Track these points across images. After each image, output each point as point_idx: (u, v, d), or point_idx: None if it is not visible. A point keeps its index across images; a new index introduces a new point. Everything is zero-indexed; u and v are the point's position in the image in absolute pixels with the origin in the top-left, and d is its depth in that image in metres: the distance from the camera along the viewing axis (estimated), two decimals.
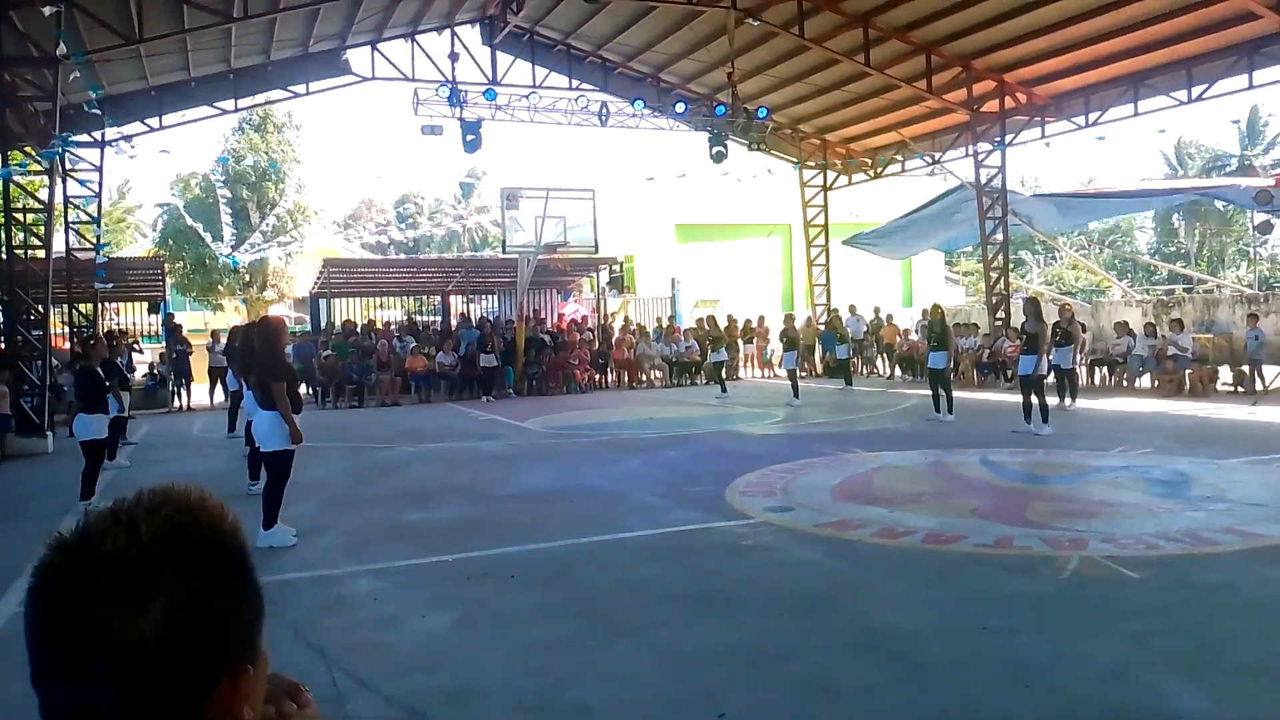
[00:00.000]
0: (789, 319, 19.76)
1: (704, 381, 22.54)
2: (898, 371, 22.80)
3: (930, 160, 22.91)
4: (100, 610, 0.79)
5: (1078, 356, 15.77)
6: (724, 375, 19.00)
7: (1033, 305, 12.65)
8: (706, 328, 19.91)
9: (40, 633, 0.81)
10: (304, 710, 0.98)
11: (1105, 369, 18.53)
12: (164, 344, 21.19)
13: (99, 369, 9.61)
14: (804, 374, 21.14)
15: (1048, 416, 11.92)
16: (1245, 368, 16.29)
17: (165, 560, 0.81)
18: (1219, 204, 34.84)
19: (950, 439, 11.64)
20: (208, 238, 32.26)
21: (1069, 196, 23.25)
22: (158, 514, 0.84)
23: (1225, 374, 16.86)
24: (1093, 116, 18.67)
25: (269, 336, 7.47)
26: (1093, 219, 25.81)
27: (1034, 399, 11.95)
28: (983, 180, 19.86)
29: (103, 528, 0.82)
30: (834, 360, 22.82)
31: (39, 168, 14.95)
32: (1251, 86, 16.02)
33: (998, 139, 19.45)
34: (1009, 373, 18.95)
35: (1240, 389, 16.18)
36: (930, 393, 14.02)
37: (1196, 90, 16.64)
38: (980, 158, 19.82)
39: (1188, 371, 16.56)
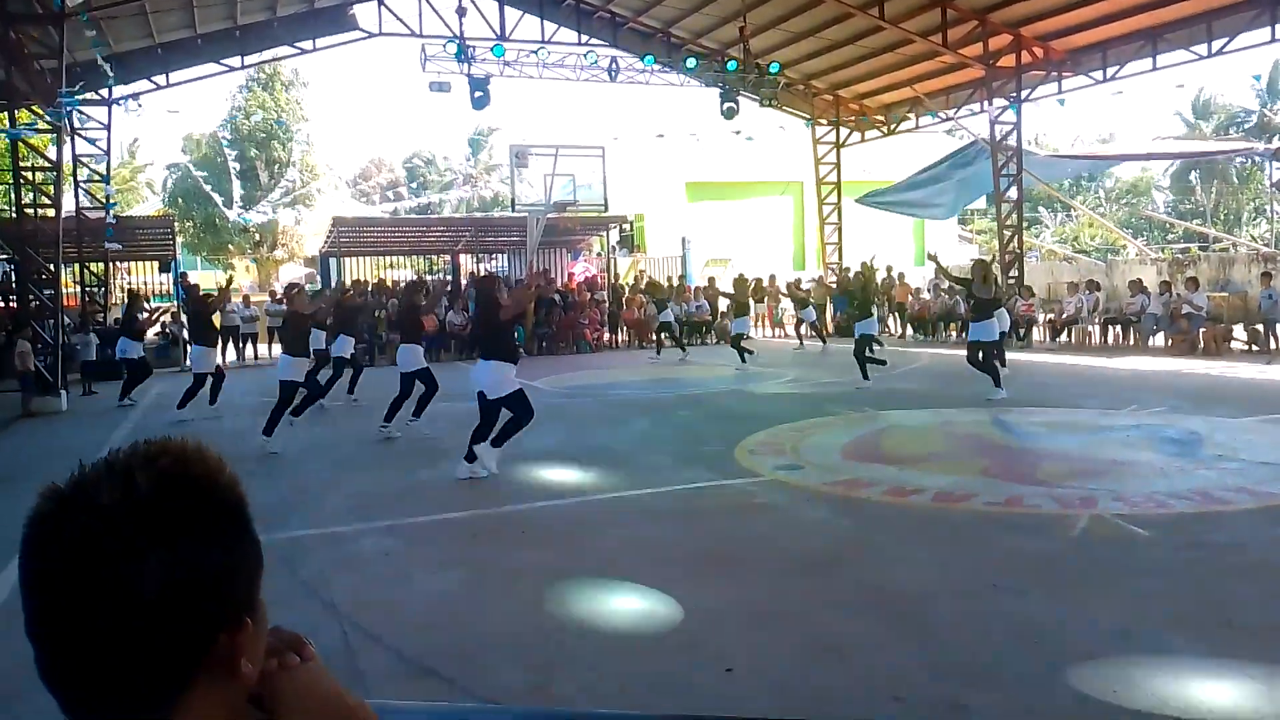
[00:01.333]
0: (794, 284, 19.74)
1: (714, 341, 22.50)
2: (909, 330, 22.71)
3: (944, 117, 22.60)
4: (94, 562, 0.77)
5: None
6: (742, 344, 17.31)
7: (981, 268, 12.02)
8: (732, 290, 18.06)
9: (33, 585, 0.80)
10: (307, 663, 0.96)
11: (1119, 327, 18.41)
12: (177, 303, 21.24)
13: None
14: (811, 335, 21.10)
15: (1000, 380, 11.42)
16: (1259, 327, 16.16)
17: (161, 512, 0.80)
18: (1237, 161, 34.42)
19: (961, 400, 11.59)
20: (217, 197, 32.20)
21: (1082, 158, 22.98)
22: (154, 465, 0.82)
23: (1240, 333, 16.74)
24: (1110, 71, 18.36)
25: (489, 291, 8.07)
26: (1099, 169, 25.33)
27: (992, 363, 11.56)
28: (998, 137, 19.60)
29: (97, 478, 0.81)
30: (843, 320, 22.73)
31: (47, 126, 14.90)
32: (1274, 40, 15.68)
33: (1013, 95, 19.16)
34: (1021, 331, 18.88)
35: (1254, 348, 16.06)
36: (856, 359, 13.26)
37: (1217, 44, 16.32)
38: (995, 114, 19.54)
39: (1202, 330, 16.44)
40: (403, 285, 15.38)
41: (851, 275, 18.49)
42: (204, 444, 0.87)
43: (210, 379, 12.39)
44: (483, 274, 12.01)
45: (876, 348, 13.85)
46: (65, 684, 0.80)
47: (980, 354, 11.58)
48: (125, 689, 0.79)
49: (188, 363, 12.07)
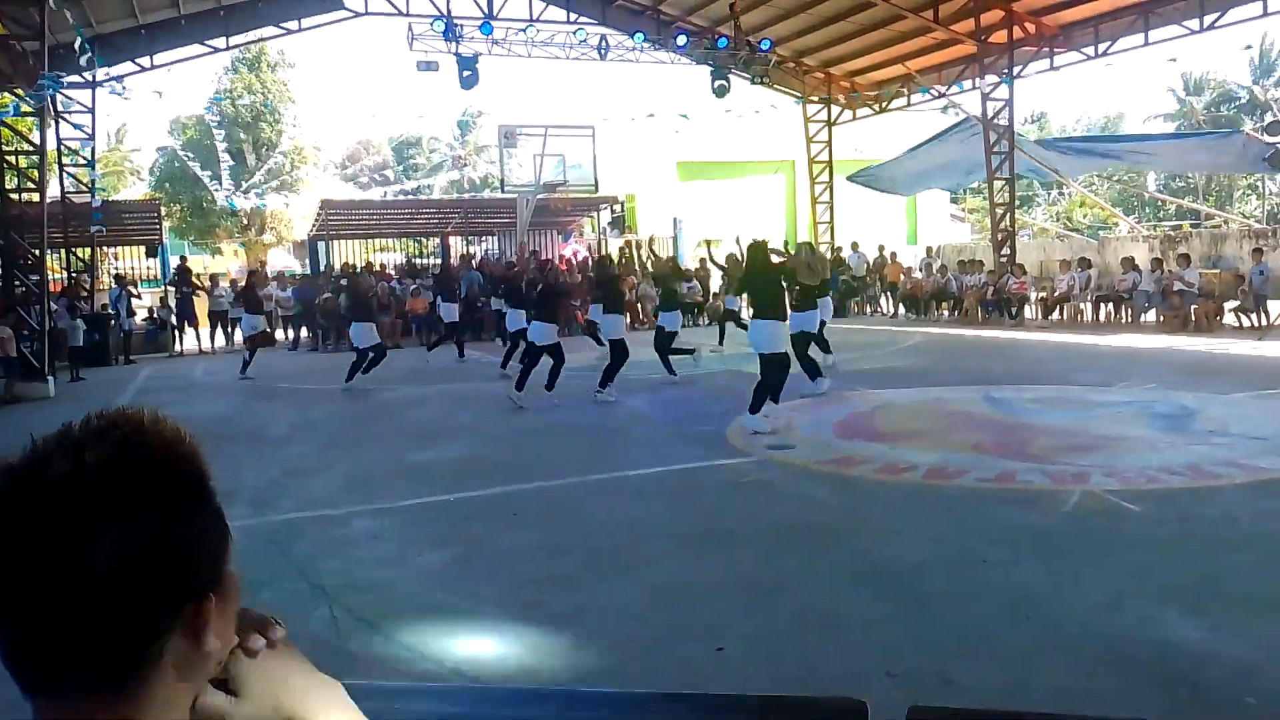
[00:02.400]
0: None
1: (706, 322, 22.43)
2: (900, 309, 22.70)
3: (936, 94, 22.51)
4: (44, 538, 0.75)
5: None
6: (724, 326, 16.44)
7: (806, 251, 10.97)
8: (725, 265, 16.44)
9: None
10: (274, 645, 0.93)
11: (1111, 304, 18.42)
12: (173, 286, 21.13)
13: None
14: None
15: (819, 371, 10.55)
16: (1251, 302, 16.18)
17: (113, 486, 0.77)
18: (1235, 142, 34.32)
19: (954, 378, 11.58)
20: (206, 178, 31.98)
21: (1077, 140, 22.94)
22: (106, 437, 0.79)
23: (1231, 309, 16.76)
24: (1102, 47, 18.28)
25: (760, 253, 9.06)
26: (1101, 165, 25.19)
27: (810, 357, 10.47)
28: (990, 114, 19.53)
29: (48, 453, 0.78)
30: (836, 299, 22.70)
31: (30, 109, 14.74)
32: (1266, 14, 15.65)
33: (1005, 71, 19.08)
34: (1013, 310, 18.89)
35: (1246, 322, 16.08)
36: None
37: (1209, 19, 16.26)
38: (987, 91, 19.46)
39: (1193, 307, 16.46)
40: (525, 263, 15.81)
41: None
42: (162, 415, 0.84)
43: (372, 354, 12.52)
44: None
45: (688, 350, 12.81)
46: (20, 662, 0.77)
47: (804, 347, 10.23)
48: (82, 666, 0.77)
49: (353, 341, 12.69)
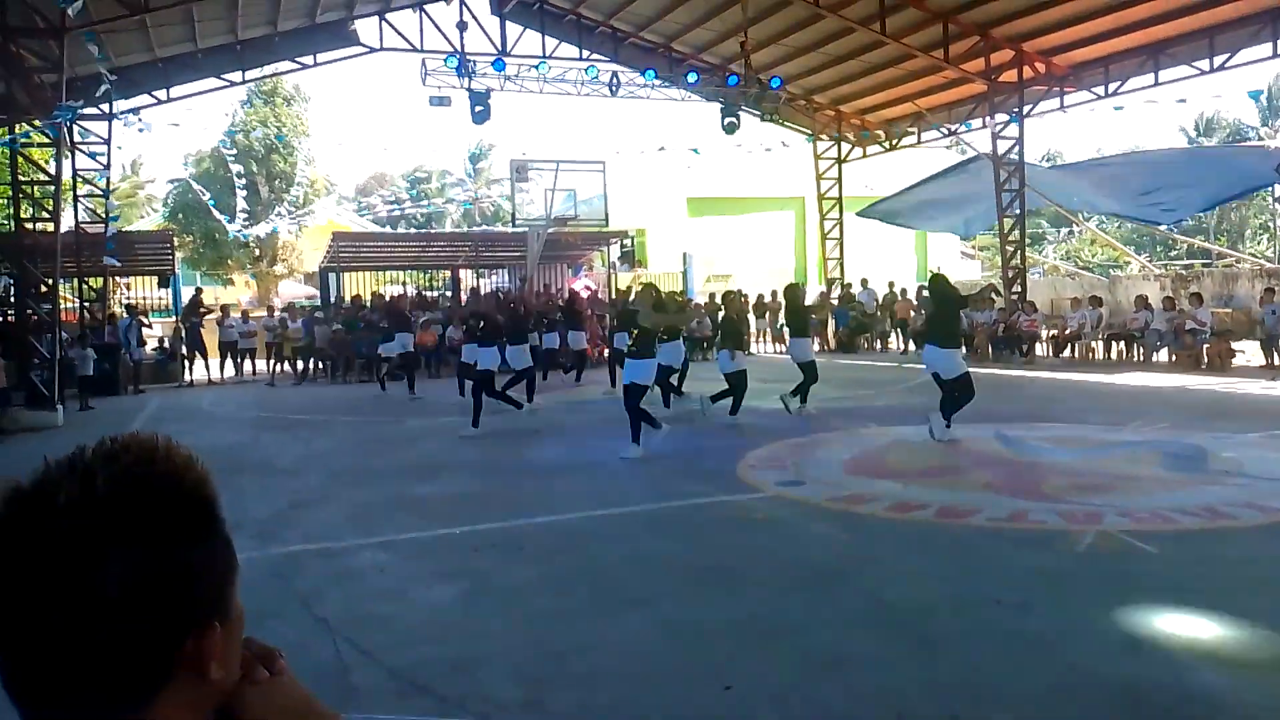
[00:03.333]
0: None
1: (715, 357, 22.39)
2: (911, 346, 22.63)
3: (946, 132, 22.61)
4: (51, 563, 0.75)
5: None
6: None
7: (650, 293, 9.97)
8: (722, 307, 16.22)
9: None
10: (277, 676, 0.92)
11: (1123, 343, 18.35)
12: (177, 317, 21.23)
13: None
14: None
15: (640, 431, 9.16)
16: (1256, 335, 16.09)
17: (121, 512, 0.77)
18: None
19: (964, 415, 11.51)
20: (218, 213, 32.22)
21: (1088, 164, 22.95)
22: (116, 462, 0.79)
23: (1246, 348, 16.66)
24: (1112, 86, 18.37)
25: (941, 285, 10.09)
26: (1113, 205, 25.11)
27: (640, 411, 9.21)
28: (1000, 152, 19.59)
29: (58, 477, 0.78)
30: (845, 335, 22.71)
31: (46, 139, 14.89)
32: (1276, 55, 15.69)
33: (1015, 110, 19.16)
34: (1024, 347, 18.82)
35: (1261, 360, 15.97)
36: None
37: (1218, 60, 16.32)
38: (997, 129, 19.54)
39: (1206, 346, 16.37)
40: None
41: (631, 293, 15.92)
42: (173, 442, 0.84)
43: (526, 376, 13.07)
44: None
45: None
46: (24, 689, 0.77)
47: (635, 398, 9.16)
48: (86, 693, 0.76)
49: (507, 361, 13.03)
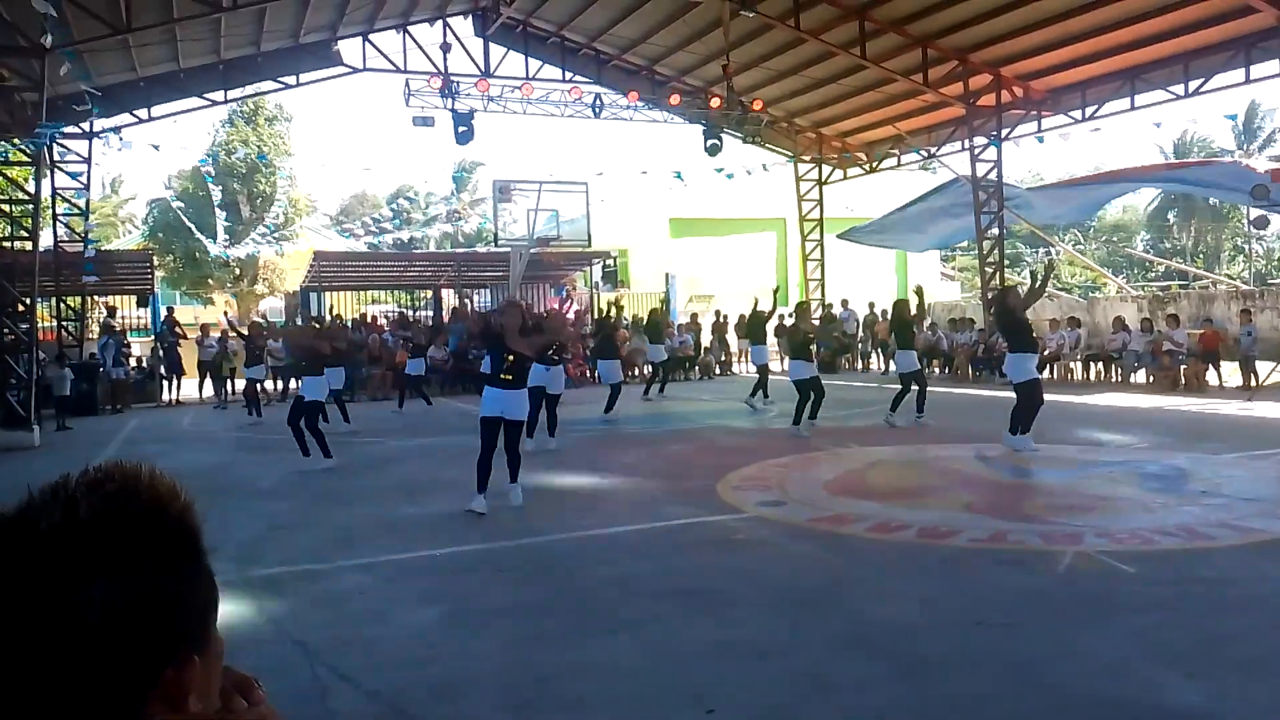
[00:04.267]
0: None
1: (698, 376, 22.49)
2: (891, 366, 22.74)
3: (926, 154, 22.82)
4: (34, 590, 0.74)
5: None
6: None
7: (515, 312, 8.24)
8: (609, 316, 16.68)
9: None
10: (255, 707, 0.91)
11: (1101, 364, 18.50)
12: (156, 337, 21.04)
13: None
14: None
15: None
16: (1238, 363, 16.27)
17: (104, 539, 0.77)
18: (1212, 200, 34.82)
19: (945, 435, 11.57)
20: (199, 233, 32.09)
21: (1062, 186, 23.21)
22: (99, 490, 0.79)
23: (1224, 370, 16.83)
24: (1089, 110, 18.60)
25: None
26: (1089, 212, 25.56)
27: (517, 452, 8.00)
28: (978, 175, 19.78)
29: (42, 504, 0.78)
30: (828, 355, 22.77)
31: (26, 158, 14.81)
32: (1249, 81, 15.95)
33: (994, 133, 19.37)
34: (1001, 369, 18.89)
35: (1237, 380, 16.12)
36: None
37: (1194, 84, 16.57)
38: (976, 152, 19.74)
39: (1183, 367, 16.52)
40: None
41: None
42: (157, 470, 0.83)
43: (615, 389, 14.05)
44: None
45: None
46: (1, 712, 0.76)
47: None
48: None
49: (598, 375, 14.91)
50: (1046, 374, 18.92)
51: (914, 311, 13.26)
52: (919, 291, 13.20)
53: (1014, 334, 10.11)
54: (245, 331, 17.00)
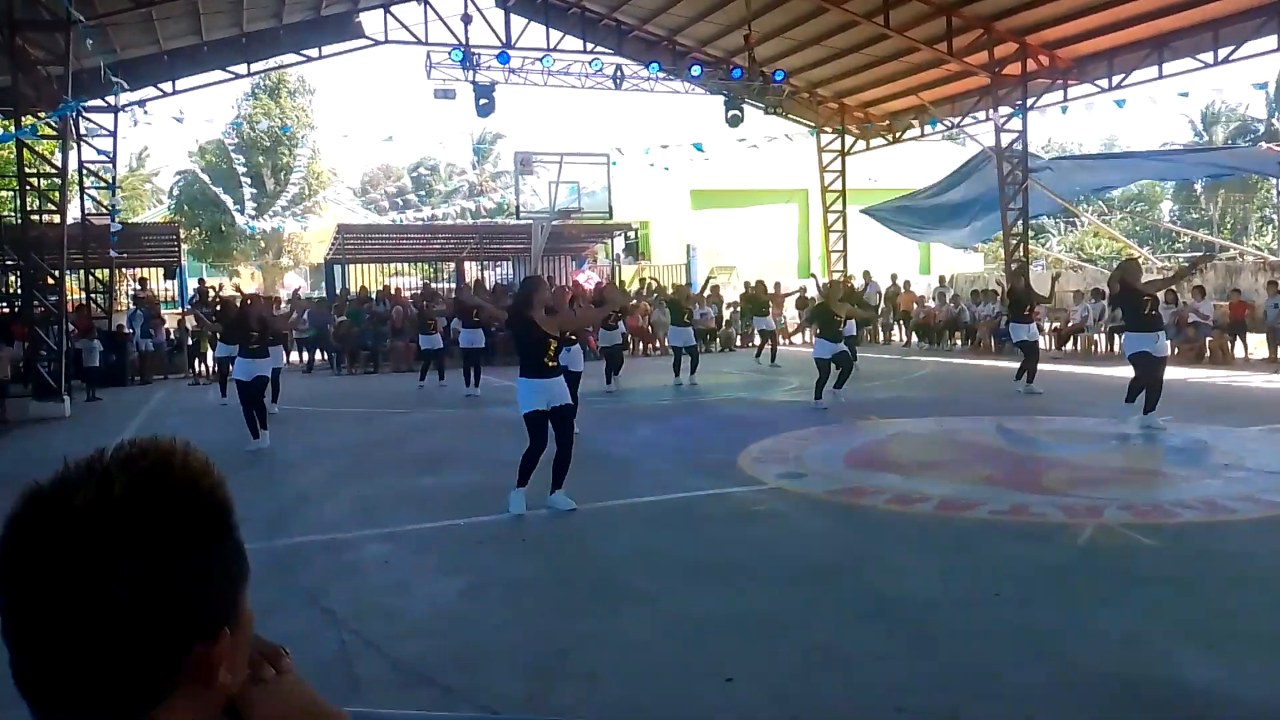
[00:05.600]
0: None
1: (719, 349, 22.49)
2: (913, 338, 22.66)
3: (949, 125, 22.56)
4: (66, 565, 0.76)
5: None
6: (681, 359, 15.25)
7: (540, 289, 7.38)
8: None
9: (9, 586, 0.78)
10: (283, 675, 0.94)
11: (1125, 336, 18.33)
12: (183, 308, 21.21)
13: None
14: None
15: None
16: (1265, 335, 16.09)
17: (138, 515, 0.78)
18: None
19: (966, 407, 11.55)
20: (227, 202, 32.28)
21: (1089, 158, 22.92)
22: (133, 466, 0.80)
23: (1251, 342, 16.66)
24: (1116, 79, 18.29)
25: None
26: (1114, 184, 25.33)
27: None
28: (1003, 145, 19.55)
29: (77, 479, 0.79)
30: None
31: (53, 132, 14.93)
32: None
33: (1019, 102, 19.12)
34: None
35: (1265, 353, 15.95)
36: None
37: (1223, 52, 16.26)
38: (1001, 122, 19.50)
39: (1208, 339, 16.37)
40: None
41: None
42: (192, 446, 0.85)
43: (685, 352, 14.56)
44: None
45: None
46: (36, 688, 0.78)
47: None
48: (97, 695, 0.78)
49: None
50: (1070, 346, 18.82)
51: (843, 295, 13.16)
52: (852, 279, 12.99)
53: (1126, 310, 9.82)
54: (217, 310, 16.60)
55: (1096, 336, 18.73)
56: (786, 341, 23.62)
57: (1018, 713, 3.49)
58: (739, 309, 22.89)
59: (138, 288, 21.66)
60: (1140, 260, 10.52)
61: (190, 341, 19.90)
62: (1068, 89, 19.22)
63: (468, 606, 4.89)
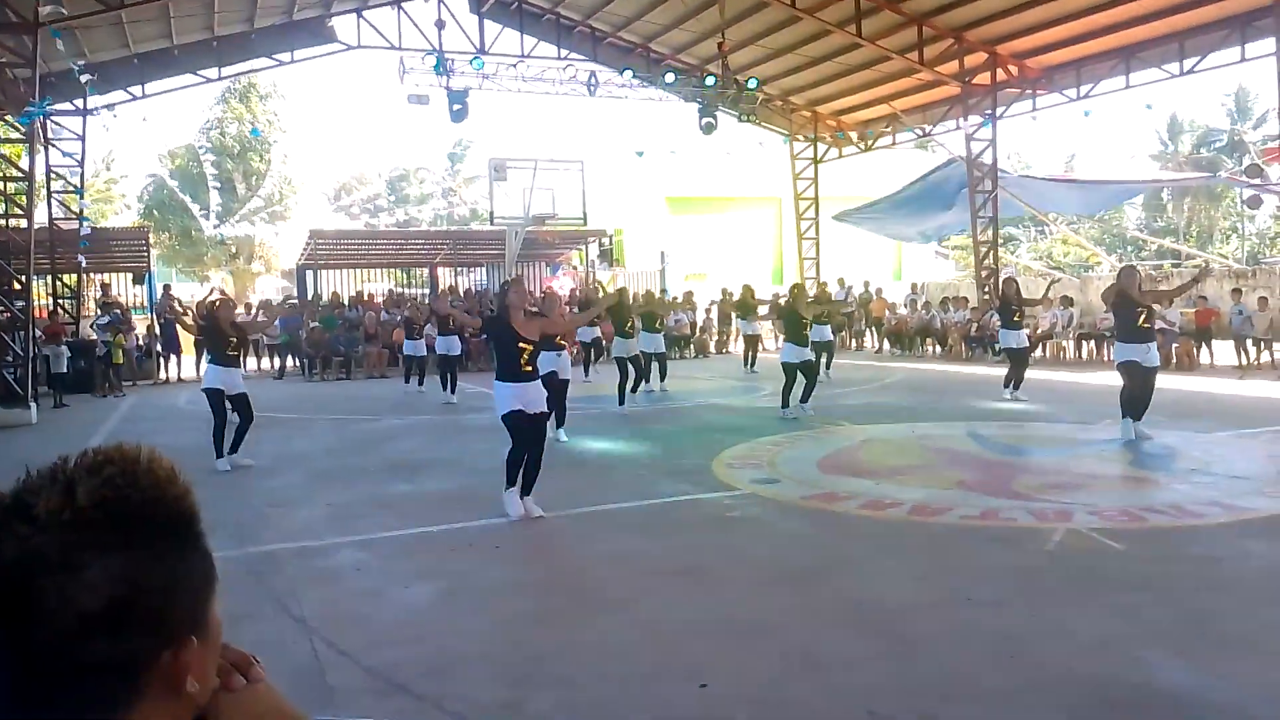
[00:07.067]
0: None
1: (692, 355, 22.54)
2: (885, 345, 22.82)
3: (921, 133, 22.78)
4: (31, 575, 0.74)
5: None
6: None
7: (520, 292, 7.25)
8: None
9: None
10: (253, 684, 0.93)
11: (1093, 342, 18.56)
12: (151, 315, 20.98)
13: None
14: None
15: None
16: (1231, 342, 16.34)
17: (102, 523, 0.77)
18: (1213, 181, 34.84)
19: (938, 413, 11.64)
20: (195, 208, 31.97)
21: (1056, 181, 23.26)
22: (98, 474, 0.79)
23: (1218, 348, 16.90)
24: (1084, 89, 18.57)
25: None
26: (1082, 210, 25.66)
27: None
28: (973, 154, 19.76)
29: (39, 487, 0.78)
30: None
31: (19, 135, 14.73)
32: (1244, 60, 15.93)
33: (989, 111, 19.34)
34: (995, 346, 18.98)
35: (1232, 359, 16.19)
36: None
37: (1188, 63, 16.54)
38: (971, 131, 19.71)
39: (1175, 345, 16.59)
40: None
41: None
42: (157, 453, 0.83)
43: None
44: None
45: None
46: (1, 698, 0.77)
47: None
48: (61, 704, 0.76)
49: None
50: (1039, 352, 19.02)
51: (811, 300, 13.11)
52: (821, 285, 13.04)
53: (1119, 318, 9.73)
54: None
55: (1065, 343, 18.93)
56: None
57: (990, 715, 3.52)
58: (735, 313, 22.76)
59: (101, 295, 21.36)
60: (1136, 269, 10.41)
61: (158, 348, 19.70)
62: (1036, 98, 19.48)
63: (442, 613, 4.87)
